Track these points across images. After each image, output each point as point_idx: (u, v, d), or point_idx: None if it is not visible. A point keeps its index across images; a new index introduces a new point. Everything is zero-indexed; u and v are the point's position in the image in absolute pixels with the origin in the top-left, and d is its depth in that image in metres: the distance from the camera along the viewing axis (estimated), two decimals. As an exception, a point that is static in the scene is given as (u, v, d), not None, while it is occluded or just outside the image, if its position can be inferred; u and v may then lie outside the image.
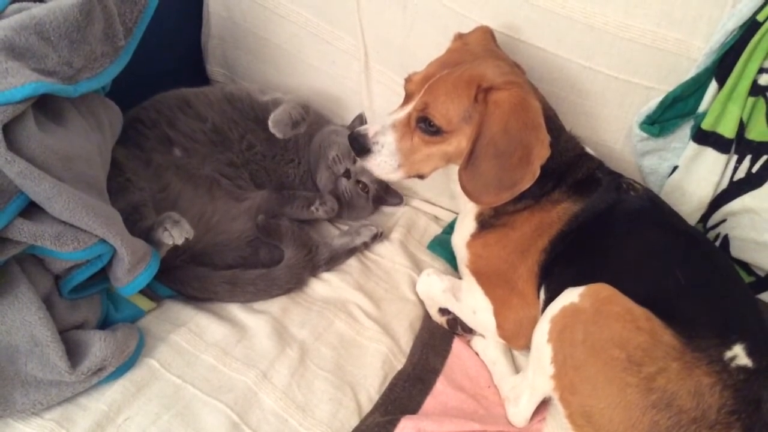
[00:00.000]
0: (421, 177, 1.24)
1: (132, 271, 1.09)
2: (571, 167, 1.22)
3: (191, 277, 1.26)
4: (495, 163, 1.12)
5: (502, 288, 1.23)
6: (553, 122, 1.20)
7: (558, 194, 1.21)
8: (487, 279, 1.25)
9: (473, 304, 1.26)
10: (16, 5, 1.06)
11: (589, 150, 1.28)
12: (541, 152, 1.11)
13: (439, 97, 1.15)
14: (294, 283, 1.32)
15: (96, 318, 1.14)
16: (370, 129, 1.19)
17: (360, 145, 1.19)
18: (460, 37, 1.27)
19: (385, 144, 1.19)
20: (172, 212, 1.18)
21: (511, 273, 1.22)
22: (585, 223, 1.18)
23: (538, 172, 1.12)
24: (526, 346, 1.19)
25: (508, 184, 1.13)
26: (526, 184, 1.13)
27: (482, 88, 1.12)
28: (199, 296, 1.26)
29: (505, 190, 1.13)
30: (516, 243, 1.22)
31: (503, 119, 1.10)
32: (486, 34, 1.27)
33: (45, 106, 1.04)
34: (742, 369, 0.98)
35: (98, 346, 1.05)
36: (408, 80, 1.22)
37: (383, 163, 1.20)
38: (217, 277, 1.26)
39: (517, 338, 1.23)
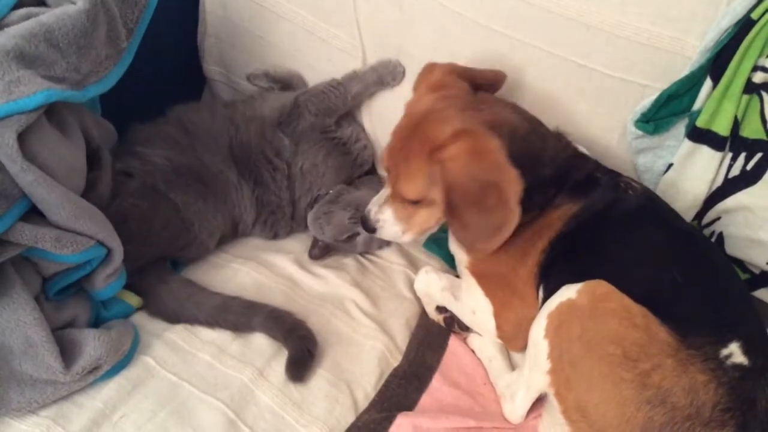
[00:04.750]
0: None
1: (110, 277, 1.12)
2: (569, 170, 1.21)
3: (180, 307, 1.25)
4: (475, 211, 1.12)
5: (502, 289, 1.23)
6: (534, 133, 1.19)
7: (560, 199, 1.20)
8: (487, 280, 1.25)
9: (473, 305, 1.26)
10: (23, 11, 1.07)
11: (582, 149, 1.28)
12: (513, 188, 1.10)
13: (401, 176, 1.18)
14: None
15: (87, 314, 1.15)
16: (372, 209, 1.26)
17: (370, 225, 1.27)
18: (416, 87, 1.29)
19: (386, 219, 1.25)
20: None
21: (512, 275, 1.22)
22: (584, 222, 1.18)
23: (518, 210, 1.10)
24: (524, 348, 1.18)
25: (494, 227, 1.13)
26: (511, 223, 1.11)
27: (432, 150, 1.12)
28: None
29: (494, 235, 1.13)
30: (516, 245, 1.21)
31: (464, 170, 1.10)
32: (438, 74, 1.25)
33: (51, 114, 1.04)
34: (738, 367, 0.98)
35: (92, 345, 1.05)
36: (384, 155, 1.24)
37: (390, 233, 1.26)
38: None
39: (516, 339, 1.23)
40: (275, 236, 1.45)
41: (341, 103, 1.44)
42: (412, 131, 1.16)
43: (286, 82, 1.59)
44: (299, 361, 1.16)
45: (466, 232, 1.16)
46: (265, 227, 1.44)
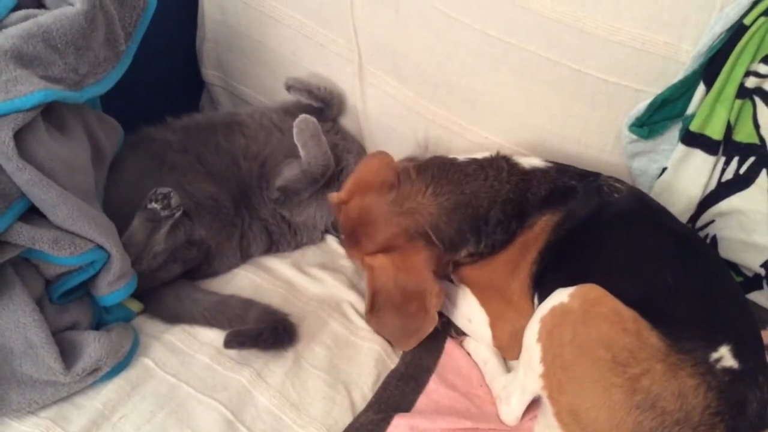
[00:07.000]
0: None
1: (114, 284, 1.12)
2: (522, 196, 1.23)
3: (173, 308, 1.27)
4: (395, 314, 1.22)
5: (497, 301, 1.24)
6: (459, 207, 1.21)
7: (532, 219, 1.22)
8: (481, 292, 1.26)
9: (468, 313, 1.27)
10: (22, 12, 1.07)
11: (532, 162, 1.28)
12: (435, 299, 1.20)
13: (348, 252, 1.34)
14: None
15: (88, 319, 1.16)
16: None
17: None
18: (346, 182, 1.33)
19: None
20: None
21: (505, 288, 1.23)
22: (571, 230, 1.19)
23: (436, 317, 1.21)
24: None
25: (413, 331, 1.23)
26: (429, 328, 1.22)
27: (365, 256, 1.23)
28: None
29: (412, 337, 1.24)
30: (505, 263, 1.23)
31: (391, 280, 1.20)
32: (371, 173, 1.28)
33: (50, 114, 1.05)
34: (728, 371, 0.98)
35: (93, 346, 1.06)
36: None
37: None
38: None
39: (512, 349, 1.23)
40: (283, 251, 1.48)
41: (307, 186, 1.42)
42: (351, 232, 1.26)
43: (327, 102, 1.58)
44: (246, 337, 1.18)
45: (384, 330, 1.26)
46: (278, 251, 1.47)
